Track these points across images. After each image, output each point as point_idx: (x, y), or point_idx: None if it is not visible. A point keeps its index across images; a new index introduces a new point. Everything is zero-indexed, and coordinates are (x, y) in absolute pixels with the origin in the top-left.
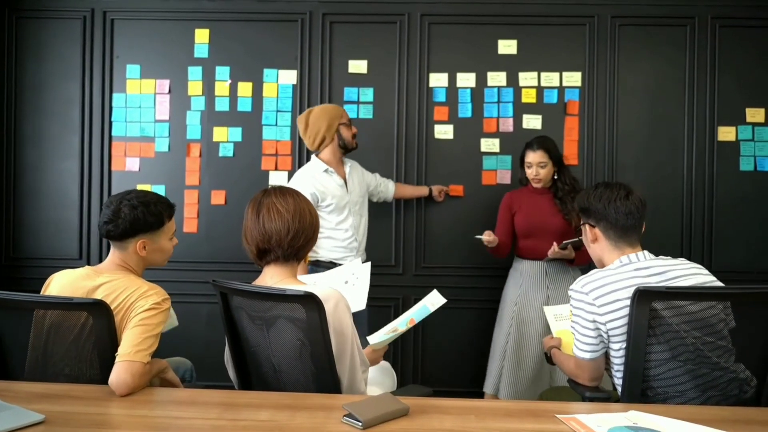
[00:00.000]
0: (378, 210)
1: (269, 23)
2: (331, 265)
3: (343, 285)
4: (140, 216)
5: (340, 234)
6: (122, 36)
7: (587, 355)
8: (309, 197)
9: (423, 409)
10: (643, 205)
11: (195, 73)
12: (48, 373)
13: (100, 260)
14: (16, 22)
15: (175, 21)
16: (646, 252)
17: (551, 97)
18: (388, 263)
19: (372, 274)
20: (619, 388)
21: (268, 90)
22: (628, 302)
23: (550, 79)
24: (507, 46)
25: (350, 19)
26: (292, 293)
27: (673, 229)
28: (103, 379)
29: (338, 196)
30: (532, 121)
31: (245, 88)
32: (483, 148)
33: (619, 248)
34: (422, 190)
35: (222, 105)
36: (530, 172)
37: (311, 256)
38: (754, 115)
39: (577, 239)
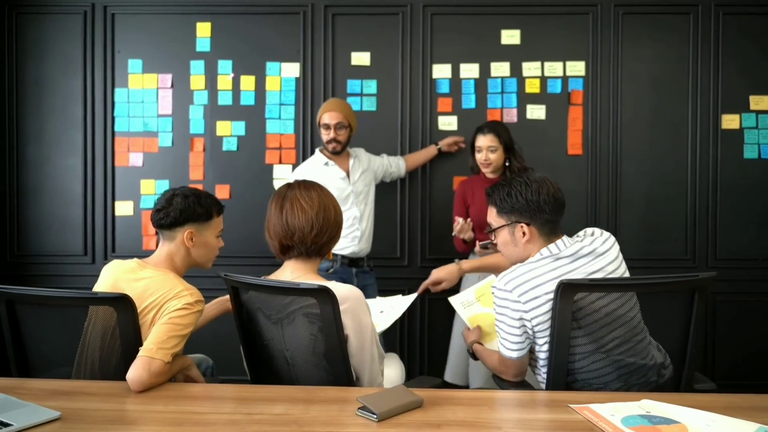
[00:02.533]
0: (383, 202)
1: (271, 16)
2: (334, 256)
3: (378, 314)
4: (191, 204)
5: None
6: (123, 31)
7: (514, 354)
8: None
9: (436, 400)
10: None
11: (197, 67)
12: (81, 368)
13: (105, 257)
14: (17, 19)
15: (176, 15)
16: (565, 238)
17: (555, 87)
18: (393, 255)
19: (377, 266)
20: (543, 384)
21: (271, 83)
22: (552, 296)
23: (553, 68)
24: (510, 36)
25: (352, 11)
26: (306, 287)
27: (677, 217)
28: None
29: (339, 188)
30: (536, 111)
31: (248, 82)
32: None
33: (549, 241)
34: (430, 151)
35: (225, 99)
36: (479, 157)
37: None
38: (758, 102)
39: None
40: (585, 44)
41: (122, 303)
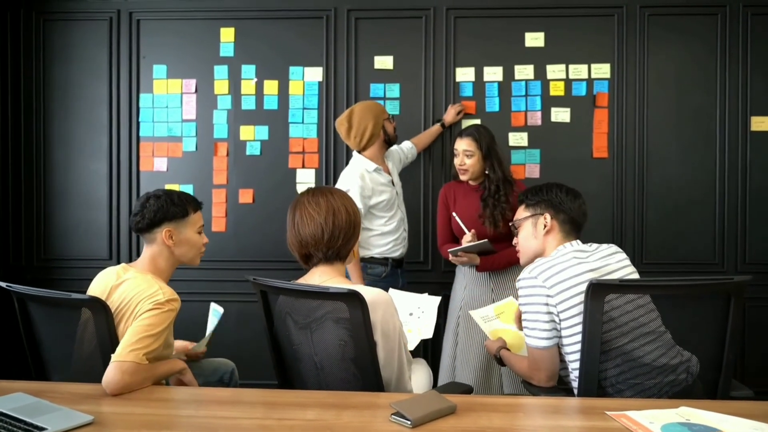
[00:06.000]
0: (406, 207)
1: (294, 20)
2: (384, 260)
3: (408, 317)
4: (163, 204)
5: (391, 227)
6: (148, 36)
7: (542, 343)
8: (358, 199)
9: (470, 407)
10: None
11: (221, 72)
12: (70, 370)
13: (130, 260)
14: (44, 25)
15: (200, 20)
16: (578, 240)
17: (580, 90)
18: (417, 260)
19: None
20: (574, 382)
21: (294, 88)
22: (575, 281)
23: (578, 71)
24: (534, 39)
25: (375, 15)
26: (335, 291)
27: (705, 220)
28: None
29: (388, 192)
30: (561, 114)
31: (271, 86)
32: (511, 143)
33: (567, 240)
34: (435, 130)
35: (248, 103)
36: (456, 161)
37: (365, 253)
38: None
39: (473, 244)
40: (610, 46)
41: (96, 305)
